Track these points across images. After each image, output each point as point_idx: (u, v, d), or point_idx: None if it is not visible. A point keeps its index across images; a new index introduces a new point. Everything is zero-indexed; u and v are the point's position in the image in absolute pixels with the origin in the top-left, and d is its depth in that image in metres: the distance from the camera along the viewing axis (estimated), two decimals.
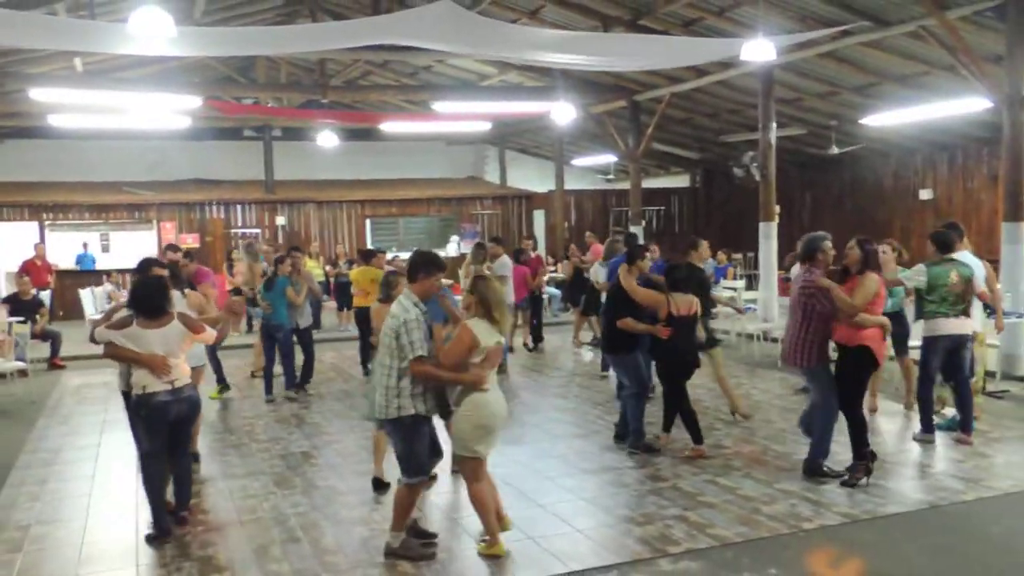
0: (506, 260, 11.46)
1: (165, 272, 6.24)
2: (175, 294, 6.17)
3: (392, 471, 5.48)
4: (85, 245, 19.06)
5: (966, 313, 7.11)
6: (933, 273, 7.07)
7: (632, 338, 7.23)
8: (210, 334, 5.77)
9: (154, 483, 5.54)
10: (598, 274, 10.84)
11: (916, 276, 7.18)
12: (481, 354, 4.88)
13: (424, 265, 4.97)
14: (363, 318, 10.41)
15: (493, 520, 5.07)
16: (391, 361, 4.84)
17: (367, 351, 10.26)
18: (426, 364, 4.80)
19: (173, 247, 9.41)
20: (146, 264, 6.54)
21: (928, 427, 7.23)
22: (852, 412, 6.21)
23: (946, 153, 17.04)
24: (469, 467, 5.05)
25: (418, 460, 4.98)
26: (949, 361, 7.13)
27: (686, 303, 7.14)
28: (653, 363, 7.53)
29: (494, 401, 4.98)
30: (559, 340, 13.69)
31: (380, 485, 6.28)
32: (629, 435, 7.30)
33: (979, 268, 7.49)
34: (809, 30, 11.41)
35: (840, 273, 6.37)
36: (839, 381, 6.25)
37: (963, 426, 7.18)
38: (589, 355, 12.32)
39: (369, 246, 19.19)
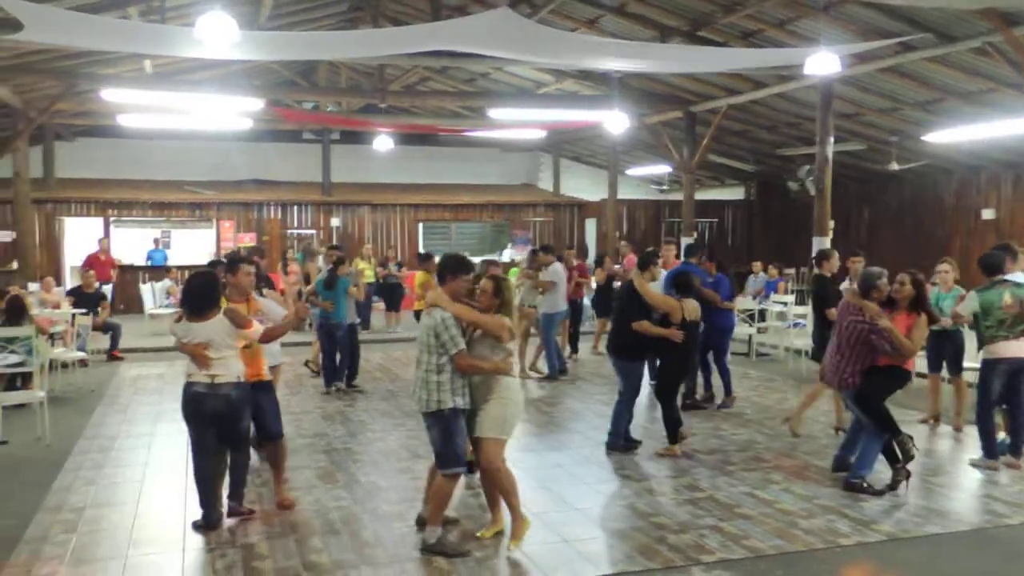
0: (558, 267, 11.51)
1: (252, 268, 6.22)
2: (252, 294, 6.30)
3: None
4: (156, 241, 19.59)
5: None
6: (985, 298, 6.96)
7: (642, 346, 7.36)
8: (256, 330, 5.69)
9: (200, 475, 5.67)
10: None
11: (969, 306, 7.11)
12: (513, 342, 5.27)
13: (452, 268, 5.26)
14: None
15: (519, 500, 5.27)
16: (429, 358, 5.09)
17: None
18: (467, 357, 5.07)
19: (259, 250, 9.64)
20: (234, 260, 6.50)
21: (991, 452, 7.01)
22: (875, 408, 6.37)
23: (1011, 172, 16.61)
24: (500, 450, 5.22)
25: (456, 452, 5.14)
26: (1007, 384, 6.99)
27: (694, 309, 7.40)
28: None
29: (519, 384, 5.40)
30: (604, 347, 13.66)
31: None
32: (613, 438, 7.56)
33: None
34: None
35: (886, 303, 6.42)
36: (871, 390, 6.38)
37: (1013, 450, 7.04)
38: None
39: (420, 250, 19.46)
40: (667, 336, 7.25)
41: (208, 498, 5.65)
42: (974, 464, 7.04)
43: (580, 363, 12.56)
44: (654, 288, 7.67)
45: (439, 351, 5.05)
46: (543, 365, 11.45)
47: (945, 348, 8.25)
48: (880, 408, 6.38)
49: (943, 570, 5.04)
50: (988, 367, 7.01)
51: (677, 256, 10.18)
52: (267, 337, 5.80)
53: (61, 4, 10.52)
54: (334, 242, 19.43)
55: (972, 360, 8.37)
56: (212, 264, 7.87)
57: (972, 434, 7.51)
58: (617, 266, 14.12)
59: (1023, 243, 13.98)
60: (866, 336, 6.33)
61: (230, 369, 5.57)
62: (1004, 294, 6.91)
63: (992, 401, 7.04)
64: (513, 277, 13.82)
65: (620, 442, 7.51)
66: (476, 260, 13.31)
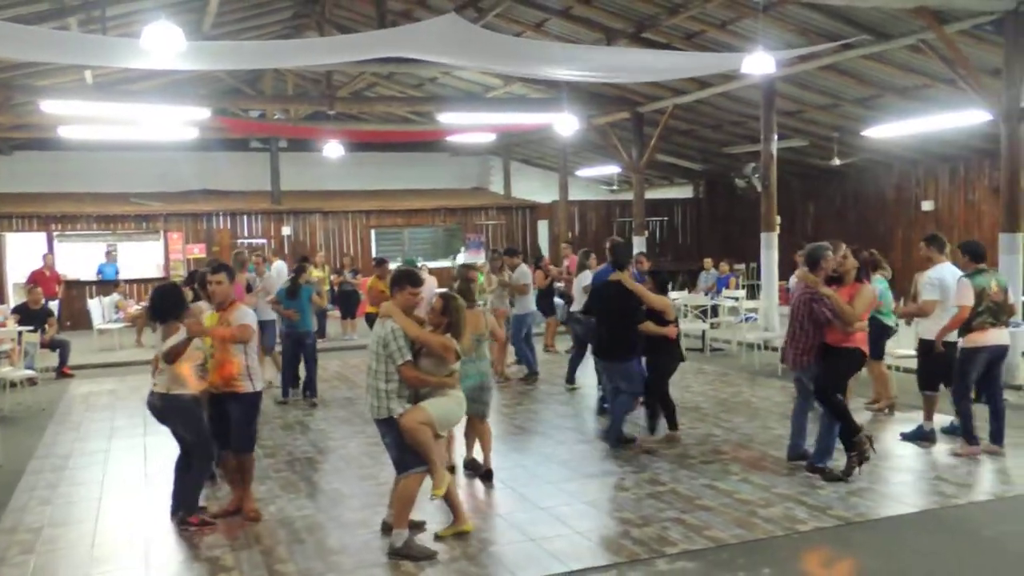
0: (525, 269, 11.57)
1: (221, 277, 6.04)
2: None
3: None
4: (108, 254, 19.07)
5: (1005, 323, 7.09)
6: (977, 283, 6.99)
7: (634, 344, 7.52)
8: (167, 344, 5.75)
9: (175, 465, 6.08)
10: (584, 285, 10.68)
11: (965, 292, 6.97)
12: (459, 364, 5.47)
13: (399, 281, 5.42)
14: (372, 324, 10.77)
15: (436, 456, 5.32)
16: (378, 366, 5.21)
17: None
18: (413, 369, 5.20)
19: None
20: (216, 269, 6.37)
21: (971, 438, 7.05)
22: (833, 401, 6.46)
23: (947, 165, 17.14)
24: (423, 419, 5.22)
25: (411, 454, 5.22)
26: (986, 372, 7.11)
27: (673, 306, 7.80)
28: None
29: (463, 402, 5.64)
30: (561, 348, 13.81)
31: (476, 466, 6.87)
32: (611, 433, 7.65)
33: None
34: (810, 43, 11.54)
35: (832, 280, 6.57)
36: (826, 378, 6.50)
37: (994, 437, 7.13)
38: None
39: (374, 256, 19.39)
40: (665, 334, 7.50)
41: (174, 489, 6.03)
42: (956, 454, 7.05)
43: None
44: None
45: (387, 360, 5.17)
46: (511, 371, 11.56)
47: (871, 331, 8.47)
48: (838, 402, 6.48)
49: (897, 551, 5.21)
50: (969, 355, 7.04)
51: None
52: (168, 355, 5.73)
53: None
54: (286, 251, 19.34)
55: (905, 347, 8.67)
56: (190, 276, 7.80)
57: (912, 417, 7.77)
58: (555, 267, 14.29)
59: (961, 234, 14.44)
60: (810, 306, 6.43)
61: (164, 379, 5.80)
62: (991, 281, 7.02)
63: (969, 388, 7.10)
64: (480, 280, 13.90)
65: (617, 439, 7.57)
66: (455, 263, 13.14)
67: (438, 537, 5.45)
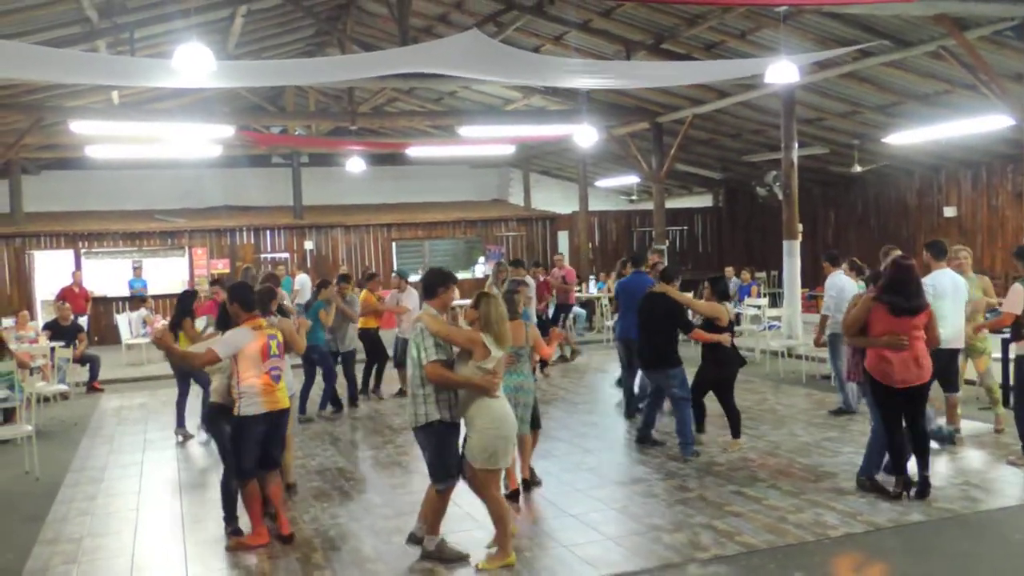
0: (529, 281, 11.68)
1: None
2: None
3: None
4: (136, 270, 19.31)
5: None
6: None
7: (676, 352, 7.67)
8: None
9: None
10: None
11: (1014, 299, 6.83)
12: (492, 362, 5.12)
13: (441, 281, 5.35)
14: (365, 339, 11.27)
15: (508, 531, 5.24)
16: (415, 371, 5.17)
17: (381, 373, 11.50)
18: (438, 368, 5.06)
19: (273, 277, 9.78)
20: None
21: None
22: (883, 430, 6.25)
23: (970, 170, 17.06)
24: (489, 478, 5.20)
25: (446, 466, 5.21)
26: None
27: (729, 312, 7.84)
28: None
29: (510, 412, 5.29)
30: (584, 357, 13.89)
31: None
32: (685, 444, 7.58)
33: (963, 284, 7.52)
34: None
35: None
36: (883, 417, 6.28)
37: None
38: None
39: (395, 268, 19.54)
40: (719, 340, 7.61)
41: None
42: (1012, 463, 6.88)
43: (564, 373, 12.68)
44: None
45: (419, 362, 5.13)
46: None
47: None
48: (891, 437, 6.19)
49: (927, 555, 5.24)
50: None
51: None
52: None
53: (28, 39, 10.54)
54: (308, 265, 19.49)
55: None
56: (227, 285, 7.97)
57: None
58: (545, 277, 14.45)
59: (985, 240, 14.43)
60: None
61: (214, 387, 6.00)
62: None
63: None
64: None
65: (693, 449, 7.56)
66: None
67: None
